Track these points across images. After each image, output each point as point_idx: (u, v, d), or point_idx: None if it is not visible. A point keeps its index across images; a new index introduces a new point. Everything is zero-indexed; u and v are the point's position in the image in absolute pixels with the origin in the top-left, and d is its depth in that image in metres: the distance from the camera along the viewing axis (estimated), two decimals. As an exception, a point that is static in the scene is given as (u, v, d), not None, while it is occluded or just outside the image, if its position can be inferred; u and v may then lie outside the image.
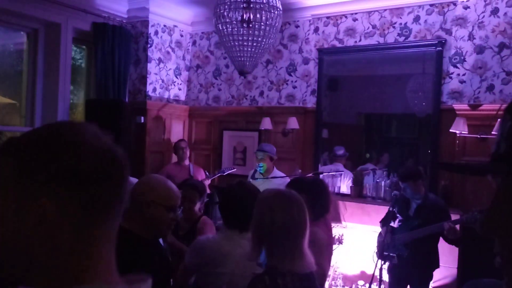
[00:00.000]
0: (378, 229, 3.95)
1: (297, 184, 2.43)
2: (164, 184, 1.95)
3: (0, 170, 0.70)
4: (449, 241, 3.34)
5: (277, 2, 3.36)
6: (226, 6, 3.31)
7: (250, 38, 3.33)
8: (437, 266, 3.52)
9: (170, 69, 5.76)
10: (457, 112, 4.20)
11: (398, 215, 3.51)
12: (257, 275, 1.61)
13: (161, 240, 2.30)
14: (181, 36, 5.90)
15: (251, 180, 4.26)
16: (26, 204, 0.68)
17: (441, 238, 3.43)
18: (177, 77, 5.88)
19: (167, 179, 2.01)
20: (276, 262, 1.58)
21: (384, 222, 3.59)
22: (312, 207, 2.09)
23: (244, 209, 1.99)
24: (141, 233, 1.86)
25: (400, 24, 4.61)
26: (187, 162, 5.09)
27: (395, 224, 3.54)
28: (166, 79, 5.71)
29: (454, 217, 3.43)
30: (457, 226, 3.31)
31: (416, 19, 4.53)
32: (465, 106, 4.19)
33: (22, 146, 0.70)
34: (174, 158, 5.59)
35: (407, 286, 3.50)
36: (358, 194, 4.68)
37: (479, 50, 4.20)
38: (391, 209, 3.37)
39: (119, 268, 0.75)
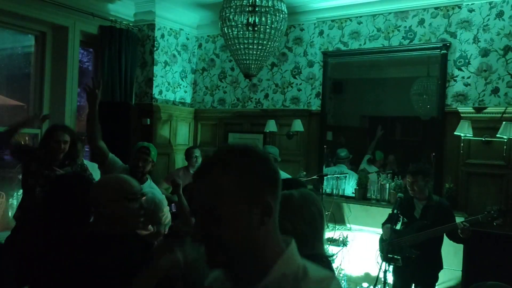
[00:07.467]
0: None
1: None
2: (115, 179, 2.04)
3: (222, 185, 0.91)
4: (458, 240, 3.34)
5: (282, 6, 3.38)
6: (231, 10, 3.35)
7: (255, 41, 3.36)
8: (441, 267, 3.53)
9: (176, 71, 5.80)
10: (462, 115, 4.21)
11: (401, 218, 3.51)
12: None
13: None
14: (187, 39, 5.94)
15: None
16: (255, 202, 0.92)
17: (445, 240, 3.44)
18: (183, 80, 5.92)
19: (120, 174, 2.08)
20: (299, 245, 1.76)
21: (387, 224, 3.59)
22: None
23: None
24: (114, 232, 1.90)
25: (405, 27, 4.63)
26: None
27: (397, 227, 3.54)
28: (172, 81, 5.75)
29: (458, 219, 3.45)
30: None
31: (421, 22, 4.54)
32: (470, 109, 4.20)
33: (234, 165, 0.93)
34: (180, 161, 5.62)
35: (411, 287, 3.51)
36: (362, 196, 4.70)
37: (484, 53, 4.21)
38: (394, 211, 3.37)
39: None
